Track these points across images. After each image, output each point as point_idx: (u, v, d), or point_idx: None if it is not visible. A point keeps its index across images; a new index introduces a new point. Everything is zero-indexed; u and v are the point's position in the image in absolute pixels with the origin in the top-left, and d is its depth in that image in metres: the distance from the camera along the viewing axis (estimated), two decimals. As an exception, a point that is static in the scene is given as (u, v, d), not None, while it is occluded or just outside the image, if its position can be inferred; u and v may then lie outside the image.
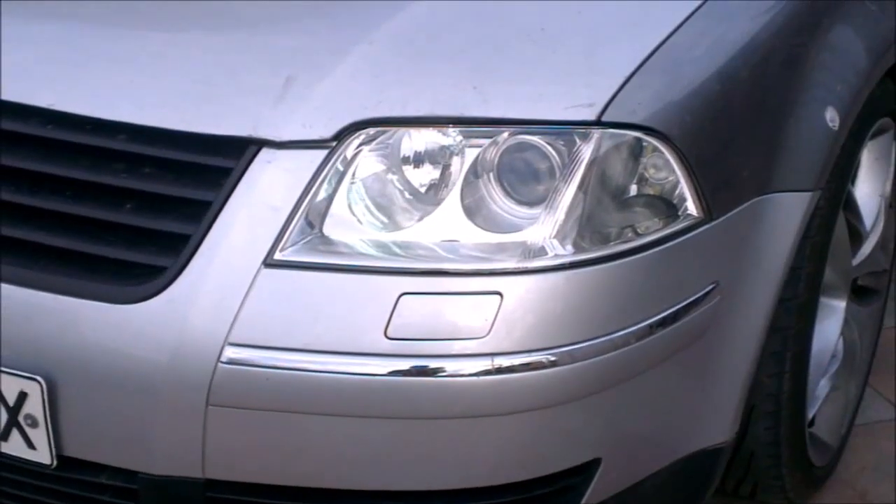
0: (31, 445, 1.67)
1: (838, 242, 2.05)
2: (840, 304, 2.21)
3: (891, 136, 2.25)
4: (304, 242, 1.61)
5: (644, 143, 1.67)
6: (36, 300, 1.63)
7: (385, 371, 1.56)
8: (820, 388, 2.17)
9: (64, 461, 1.67)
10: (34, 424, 1.66)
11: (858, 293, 2.34)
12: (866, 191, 2.19)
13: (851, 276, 2.24)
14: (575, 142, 1.64)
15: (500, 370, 1.57)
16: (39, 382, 1.63)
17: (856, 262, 2.21)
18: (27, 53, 1.76)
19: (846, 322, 2.24)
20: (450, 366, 1.57)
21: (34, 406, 1.64)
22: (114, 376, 1.61)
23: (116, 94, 1.70)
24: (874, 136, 2.16)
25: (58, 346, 1.63)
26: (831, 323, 2.19)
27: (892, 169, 2.27)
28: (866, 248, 2.23)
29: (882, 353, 2.57)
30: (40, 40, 1.78)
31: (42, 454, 1.67)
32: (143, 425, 1.62)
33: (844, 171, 1.98)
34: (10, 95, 1.71)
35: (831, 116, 1.89)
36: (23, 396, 1.64)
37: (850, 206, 2.13)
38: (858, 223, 2.18)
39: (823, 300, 2.06)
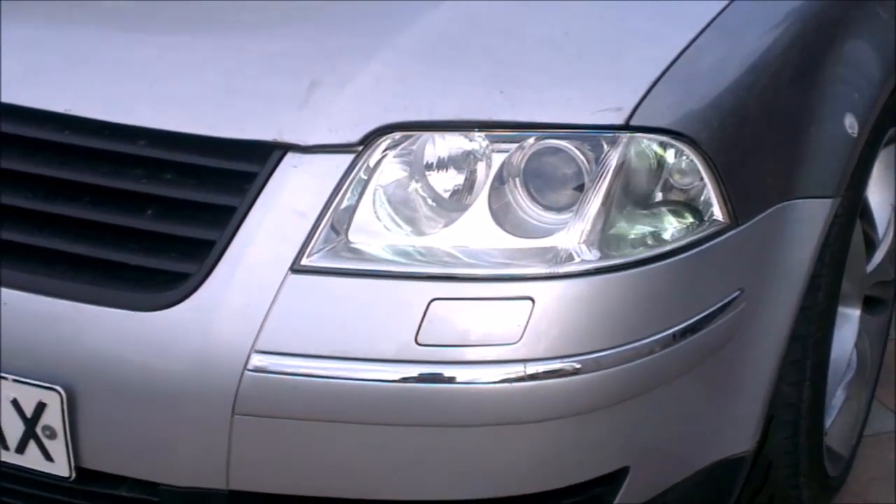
0: (48, 458, 1.63)
1: (854, 250, 2.05)
2: (855, 313, 2.20)
3: (902, 146, 2.26)
4: (330, 248, 1.59)
5: (672, 148, 1.66)
6: (55, 308, 1.60)
7: (416, 378, 1.54)
8: (836, 397, 2.16)
9: (82, 473, 1.64)
10: (52, 436, 1.62)
11: (867, 303, 2.34)
12: (878, 200, 2.20)
13: (865, 284, 2.23)
14: (602, 147, 1.62)
15: (531, 377, 1.55)
16: (59, 392, 1.59)
17: (869, 270, 2.21)
18: (43, 58, 1.73)
19: (858, 332, 2.24)
20: (482, 372, 1.55)
21: (53, 417, 1.61)
22: (136, 385, 1.58)
23: (135, 99, 1.67)
24: (886, 144, 2.16)
25: (78, 355, 1.59)
26: (847, 332, 2.19)
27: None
28: (878, 256, 2.23)
29: (885, 364, 2.58)
30: (56, 45, 1.75)
31: (60, 467, 1.63)
32: (166, 435, 1.59)
33: (861, 178, 1.98)
34: (27, 101, 1.68)
35: (850, 123, 1.89)
36: (41, 407, 1.61)
37: (865, 214, 2.13)
38: (872, 231, 2.18)
39: (840, 309, 2.05)
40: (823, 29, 1.92)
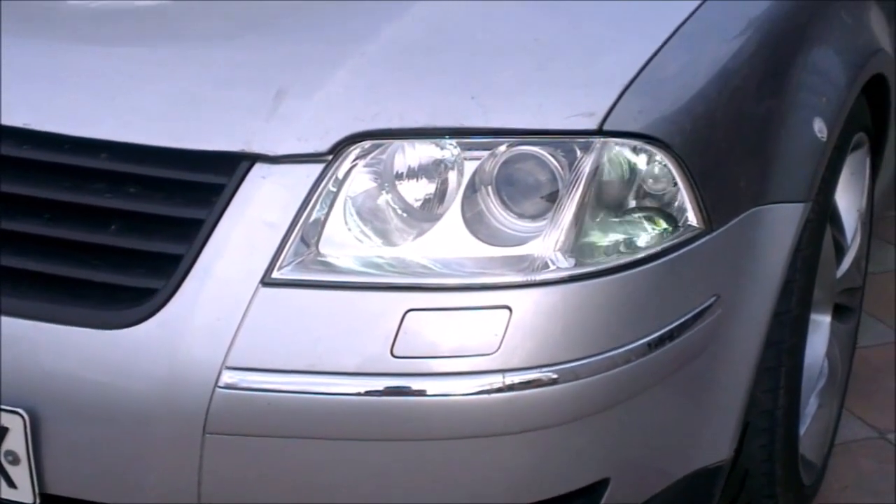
0: (11, 484, 1.58)
1: (825, 256, 2.03)
2: (826, 320, 2.19)
3: (865, 152, 2.25)
4: (301, 261, 1.55)
5: (644, 153, 1.64)
6: (15, 328, 1.55)
7: (392, 390, 1.50)
8: (809, 405, 2.15)
9: (47, 500, 1.59)
10: (15, 462, 1.56)
11: (836, 311, 2.33)
12: (845, 205, 2.19)
13: (836, 290, 2.22)
14: (576, 153, 1.60)
15: (510, 387, 1.52)
16: (21, 416, 1.54)
17: (838, 275, 2.20)
18: (-1, 71, 1.69)
19: (829, 339, 2.23)
20: (459, 384, 1.51)
21: (16, 441, 1.55)
22: (102, 406, 1.53)
23: (96, 112, 1.63)
24: (852, 150, 2.16)
25: (40, 377, 1.55)
26: (818, 339, 2.17)
27: (866, 184, 2.27)
28: (847, 261, 2.22)
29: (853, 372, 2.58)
30: (12, 57, 1.70)
31: (24, 493, 1.58)
32: (134, 458, 1.54)
33: (831, 182, 1.97)
34: (-17, 116, 1.64)
35: (819, 127, 1.88)
36: (3, 431, 1.56)
37: (834, 219, 2.12)
38: (841, 237, 2.18)
39: (811, 316, 2.04)
40: (790, 33, 1.91)
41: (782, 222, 1.81)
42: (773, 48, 1.85)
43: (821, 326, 2.19)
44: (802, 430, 2.10)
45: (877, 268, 3.06)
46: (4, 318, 1.56)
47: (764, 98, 1.81)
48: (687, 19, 1.77)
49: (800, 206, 1.83)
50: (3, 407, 1.55)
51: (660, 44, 1.71)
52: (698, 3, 1.80)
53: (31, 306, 1.55)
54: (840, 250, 2.20)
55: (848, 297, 2.36)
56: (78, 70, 1.68)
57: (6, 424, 1.55)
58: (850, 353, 2.43)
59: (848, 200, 2.20)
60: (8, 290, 1.57)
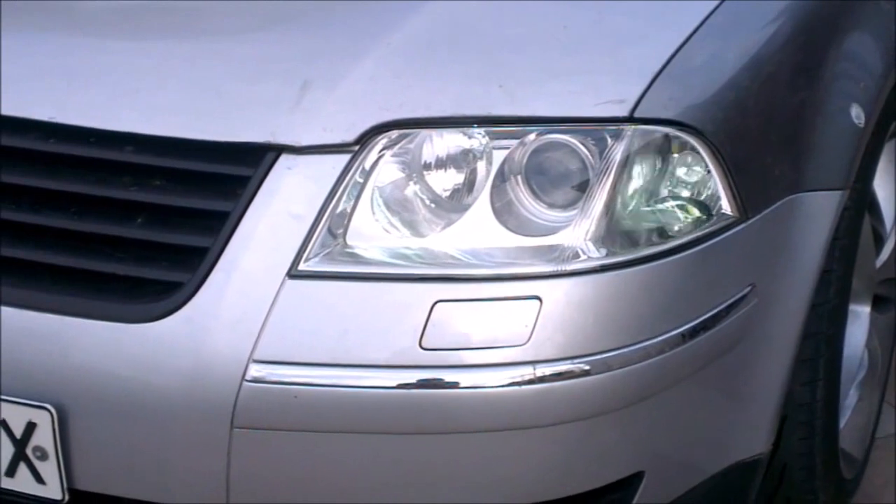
0: (40, 480, 1.57)
1: (864, 245, 1.99)
2: (865, 310, 2.15)
3: (903, 140, 2.21)
4: (328, 253, 1.53)
5: (677, 140, 1.60)
6: (42, 323, 1.54)
7: (422, 383, 1.48)
8: (849, 397, 2.11)
9: (76, 496, 1.57)
10: (44, 457, 1.55)
11: (875, 302, 2.28)
12: (883, 194, 2.15)
13: (875, 280, 2.18)
14: (607, 140, 1.57)
15: (542, 379, 1.50)
16: (49, 411, 1.53)
17: (878, 265, 2.16)
18: (23, 65, 1.67)
19: (868, 330, 2.18)
20: (489, 376, 1.49)
21: (44, 437, 1.54)
22: (129, 401, 1.52)
23: (120, 105, 1.61)
24: (889, 138, 2.11)
25: (68, 372, 1.53)
26: (858, 330, 2.13)
27: (905, 173, 2.23)
28: (886, 251, 2.18)
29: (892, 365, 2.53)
30: (37, 52, 1.69)
31: (52, 489, 1.56)
32: (162, 453, 1.53)
33: (869, 170, 1.93)
34: (8, 110, 1.62)
35: (857, 113, 1.84)
36: (31, 427, 1.54)
37: (873, 208, 2.08)
38: (880, 226, 2.14)
39: (850, 306, 2.00)
40: (826, 21, 1.87)
41: (819, 210, 1.77)
42: (806, 35, 1.81)
43: (860, 317, 2.15)
44: (842, 423, 2.06)
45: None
46: (31, 313, 1.54)
47: (799, 85, 1.77)
48: (717, 8, 1.73)
49: (837, 193, 1.79)
50: (31, 402, 1.54)
51: (689, 32, 1.68)
52: None
53: (57, 300, 1.54)
54: (879, 240, 2.16)
55: (887, 287, 2.32)
56: (102, 64, 1.67)
57: (34, 420, 1.54)
58: (891, 345, 2.38)
59: (886, 189, 2.16)
60: (34, 285, 1.56)
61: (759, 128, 1.71)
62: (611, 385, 1.54)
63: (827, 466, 1.99)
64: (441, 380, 1.48)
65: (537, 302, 1.50)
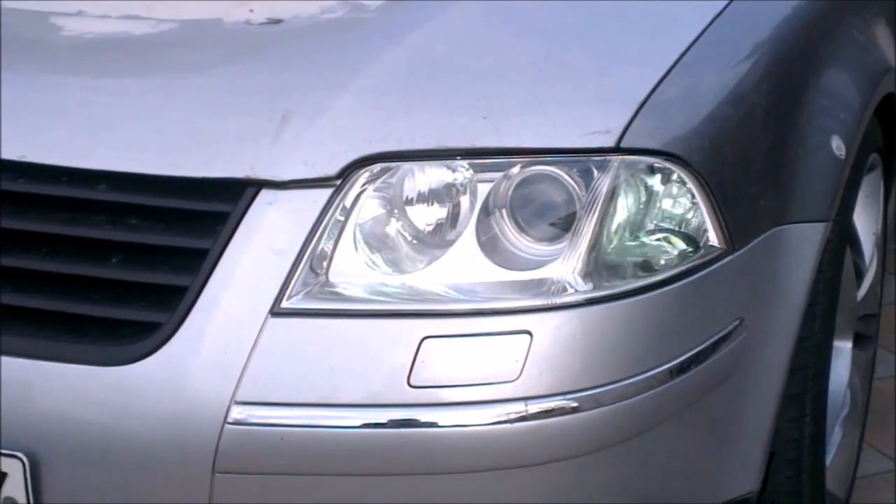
0: (10, 532, 1.51)
1: (846, 279, 1.98)
2: (847, 346, 2.13)
3: (879, 174, 2.20)
4: (310, 290, 1.49)
5: (664, 170, 1.58)
6: (13, 368, 1.48)
7: (411, 422, 1.43)
8: (834, 434, 2.08)
9: (48, 548, 1.51)
10: (15, 508, 1.50)
11: (855, 338, 2.27)
12: (861, 228, 2.14)
13: (856, 315, 2.17)
14: (592, 171, 1.54)
15: (534, 416, 1.46)
16: (21, 460, 1.47)
17: (859, 299, 2.14)
18: (-8, 104, 1.63)
19: (850, 367, 2.16)
20: (481, 413, 1.45)
21: (15, 487, 1.48)
22: (105, 449, 1.47)
23: (93, 142, 1.57)
24: (867, 171, 2.11)
25: (40, 418, 1.48)
26: (841, 365, 2.11)
27: (881, 207, 2.22)
28: (865, 285, 2.17)
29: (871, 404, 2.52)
30: (5, 89, 1.64)
31: (24, 542, 1.51)
32: (140, 501, 1.47)
33: (850, 202, 1.92)
34: (-24, 150, 1.58)
35: (837, 144, 1.83)
36: (2, 477, 1.48)
37: (853, 241, 2.07)
38: (860, 260, 2.12)
39: (834, 341, 1.98)
40: (806, 50, 1.86)
41: (804, 242, 1.75)
42: (786, 66, 1.80)
43: (843, 353, 2.13)
44: (828, 461, 2.03)
45: (885, 299, 3.02)
46: (3, 358, 1.49)
47: (780, 116, 1.76)
48: (699, 37, 1.72)
49: (820, 225, 1.77)
50: (2, 451, 1.48)
51: (672, 62, 1.66)
52: (707, 23, 1.75)
53: (30, 344, 1.49)
54: (859, 274, 2.15)
55: (866, 324, 2.31)
56: (73, 101, 1.62)
57: (5, 469, 1.48)
58: (869, 383, 2.37)
59: (865, 223, 2.15)
60: (3, 329, 1.50)
61: (744, 158, 1.69)
62: (602, 422, 1.50)
63: (814, 505, 1.96)
64: (431, 418, 1.44)
65: (528, 336, 1.46)
